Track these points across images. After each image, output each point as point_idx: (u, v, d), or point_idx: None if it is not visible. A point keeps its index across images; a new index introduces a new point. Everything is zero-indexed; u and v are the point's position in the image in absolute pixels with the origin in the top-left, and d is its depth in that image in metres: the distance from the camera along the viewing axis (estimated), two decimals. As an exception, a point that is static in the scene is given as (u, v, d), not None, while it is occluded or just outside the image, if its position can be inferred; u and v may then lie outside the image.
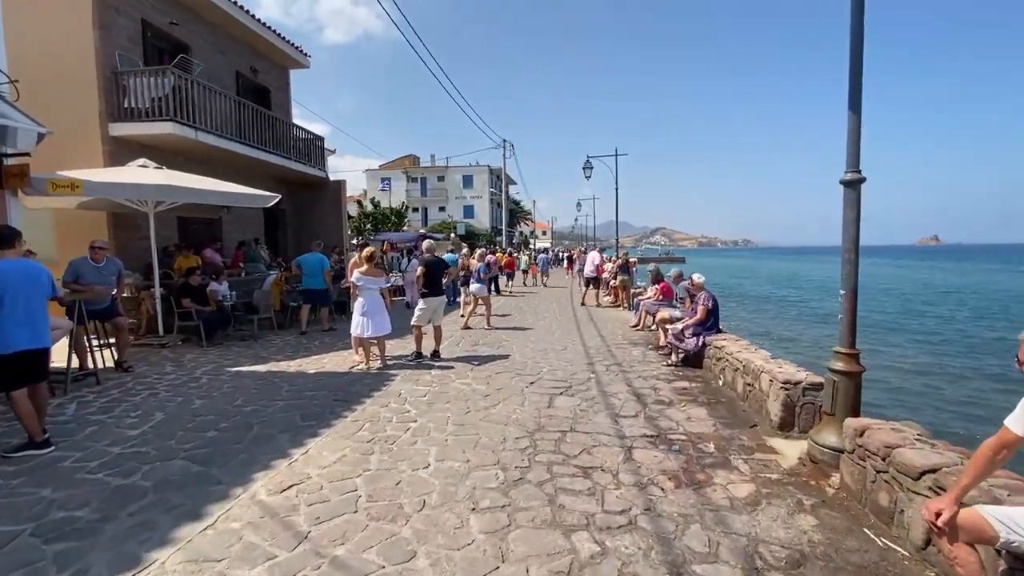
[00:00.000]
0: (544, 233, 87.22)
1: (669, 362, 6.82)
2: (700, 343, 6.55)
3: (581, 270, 21.46)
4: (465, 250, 18.72)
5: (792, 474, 3.58)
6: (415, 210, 53.74)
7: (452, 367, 6.76)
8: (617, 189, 19.91)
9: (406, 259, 15.19)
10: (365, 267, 6.62)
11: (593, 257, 14.74)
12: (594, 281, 14.37)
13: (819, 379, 4.30)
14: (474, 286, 10.58)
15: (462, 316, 12.23)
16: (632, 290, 13.72)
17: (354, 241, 8.12)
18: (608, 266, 15.59)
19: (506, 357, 7.40)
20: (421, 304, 7.14)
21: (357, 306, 6.57)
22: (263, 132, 12.21)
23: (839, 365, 3.54)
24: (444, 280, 7.42)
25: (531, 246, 55.74)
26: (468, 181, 54.95)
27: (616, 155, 19.43)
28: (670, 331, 6.87)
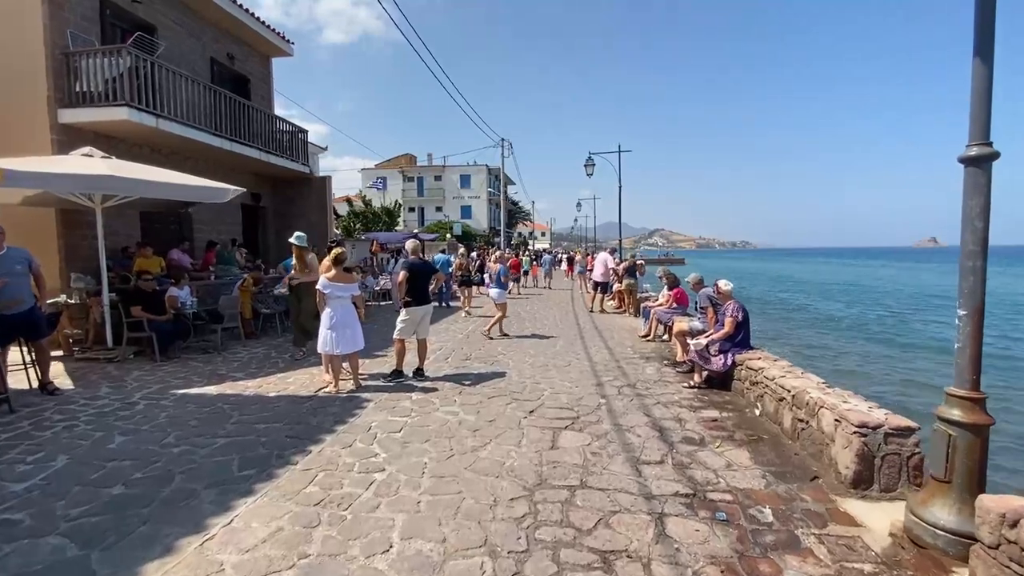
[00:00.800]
0: (543, 234, 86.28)
1: (691, 383, 5.84)
2: (729, 362, 5.58)
3: (582, 272, 20.51)
4: (461, 250, 17.73)
5: (890, 563, 2.59)
6: (411, 210, 52.69)
7: (437, 389, 5.76)
8: (620, 187, 18.93)
9: (395, 260, 14.22)
10: (333, 271, 5.63)
11: (604, 259, 13.51)
12: (602, 286, 13.29)
13: (905, 422, 3.33)
14: (494, 291, 9.59)
15: (467, 314, 11.34)
16: (639, 294, 12.75)
17: (291, 240, 6.99)
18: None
19: (501, 375, 6.42)
20: (403, 314, 6.15)
21: (324, 318, 5.59)
22: (239, 123, 11.22)
23: (957, 414, 2.56)
24: (431, 286, 6.43)
25: (529, 247, 54.74)
26: (466, 181, 53.92)
27: (619, 151, 18.47)
28: (691, 347, 5.89)
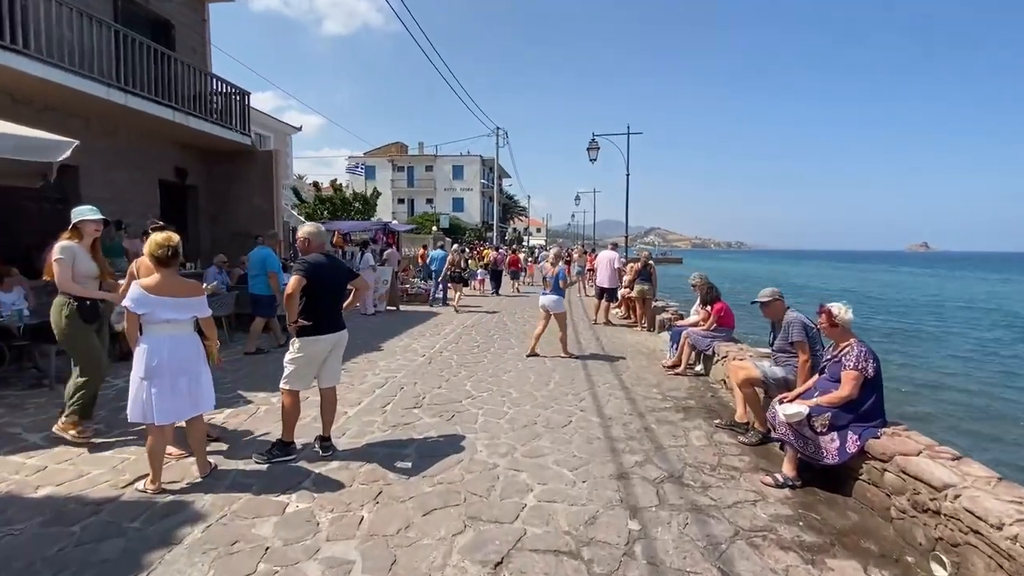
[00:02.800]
0: (538, 230, 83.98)
1: (779, 479, 3.41)
2: (851, 449, 3.17)
3: (581, 273, 18.07)
4: (455, 247, 15.21)
5: None
6: (400, 201, 50.06)
7: (340, 483, 3.31)
8: (628, 174, 16.47)
9: (363, 254, 11.73)
10: (156, 276, 3.14)
11: (609, 259, 10.63)
12: (609, 293, 10.73)
13: None
14: (547, 299, 7.13)
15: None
16: (653, 302, 10.34)
17: (85, 214, 4.09)
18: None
19: (458, 448, 3.97)
20: (295, 349, 3.66)
21: (137, 360, 3.11)
22: (150, 75, 8.70)
23: None
24: (346, 301, 3.96)
25: (524, 243, 52.28)
26: (458, 172, 51.21)
27: (628, 133, 16.03)
28: (779, 414, 3.45)
